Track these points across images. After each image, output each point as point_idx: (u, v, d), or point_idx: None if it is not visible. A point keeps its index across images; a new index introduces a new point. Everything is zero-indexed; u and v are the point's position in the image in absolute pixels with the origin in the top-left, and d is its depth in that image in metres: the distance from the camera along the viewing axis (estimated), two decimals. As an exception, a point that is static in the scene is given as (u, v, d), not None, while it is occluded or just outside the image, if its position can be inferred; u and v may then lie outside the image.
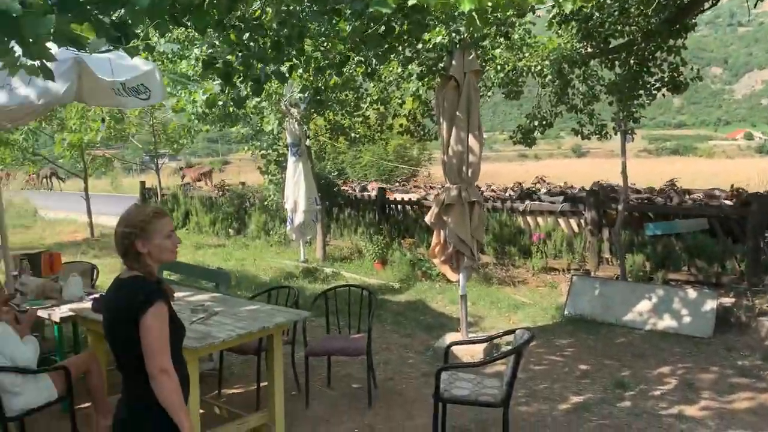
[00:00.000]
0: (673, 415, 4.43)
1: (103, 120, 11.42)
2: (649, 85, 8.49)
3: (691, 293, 6.59)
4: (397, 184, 19.26)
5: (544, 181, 14.26)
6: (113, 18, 3.30)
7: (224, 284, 5.49)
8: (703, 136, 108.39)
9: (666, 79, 8.44)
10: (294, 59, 4.91)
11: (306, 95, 8.09)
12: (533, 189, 11.80)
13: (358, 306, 5.40)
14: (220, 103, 6.92)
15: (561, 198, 9.99)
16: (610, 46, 8.15)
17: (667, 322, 6.44)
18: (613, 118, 8.70)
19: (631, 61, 8.29)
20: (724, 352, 5.76)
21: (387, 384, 5.14)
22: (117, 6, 3.01)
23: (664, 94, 8.74)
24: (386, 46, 4.70)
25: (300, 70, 6.53)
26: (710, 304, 6.35)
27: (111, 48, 3.30)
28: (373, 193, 12.33)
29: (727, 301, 6.77)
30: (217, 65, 4.42)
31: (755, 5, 7.81)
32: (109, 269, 9.30)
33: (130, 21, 3.08)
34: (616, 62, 8.42)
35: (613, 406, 4.59)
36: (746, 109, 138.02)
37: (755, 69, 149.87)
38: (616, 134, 8.76)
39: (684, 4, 7.67)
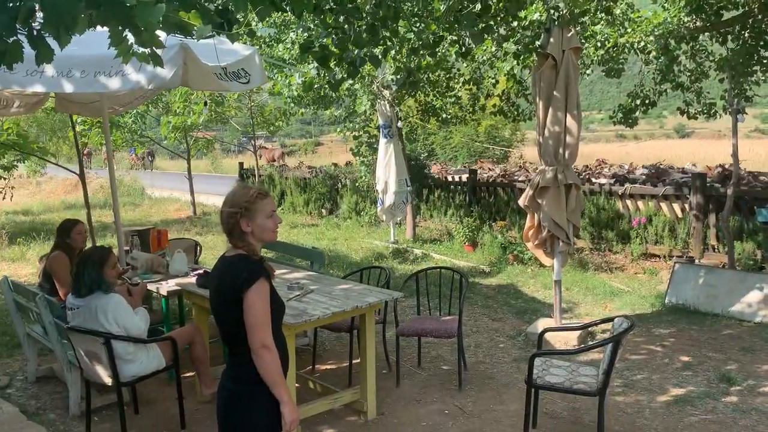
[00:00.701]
0: (785, 414, 4.16)
1: (205, 103, 11.95)
2: (766, 61, 7.87)
3: (809, 285, 6.11)
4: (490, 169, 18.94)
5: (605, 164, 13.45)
6: (217, 5, 3.44)
7: (318, 263, 5.63)
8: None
9: (786, 54, 7.80)
10: (388, 41, 4.92)
11: (399, 77, 8.09)
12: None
13: (448, 288, 5.40)
14: (316, 85, 7.04)
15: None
16: (723, 19, 7.60)
17: (780, 315, 6.01)
18: (723, 96, 8.15)
19: (746, 35, 7.70)
20: None
21: (477, 367, 5.12)
22: (221, -7, 3.12)
23: (784, 70, 8.09)
24: (482, 24, 4.60)
25: (393, 52, 6.54)
26: (831, 298, 5.87)
27: (215, 34, 3.44)
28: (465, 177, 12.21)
29: None
30: (314, 49, 4.50)
31: None
32: (211, 245, 9.80)
33: (233, 8, 3.19)
34: (729, 36, 7.85)
35: (717, 401, 4.35)
36: None
37: None
38: (726, 114, 8.20)
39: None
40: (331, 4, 4.40)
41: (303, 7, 3.83)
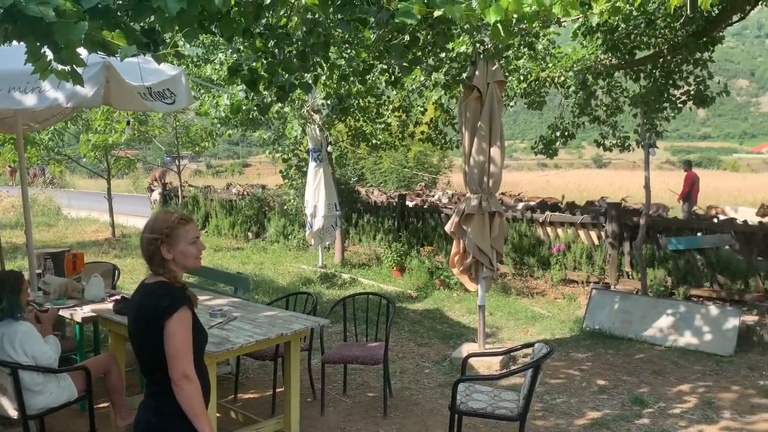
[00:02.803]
0: (692, 434, 4.37)
1: (128, 122, 11.57)
2: (674, 98, 8.42)
3: (713, 310, 6.50)
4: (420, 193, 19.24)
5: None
6: (143, 25, 3.36)
7: (243, 289, 5.52)
8: (727, 148, 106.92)
9: (692, 92, 8.38)
10: (319, 68, 4.94)
11: (329, 102, 8.13)
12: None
13: (375, 314, 5.41)
14: (245, 108, 6.97)
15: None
16: (636, 58, 8.09)
17: (687, 339, 6.35)
18: (636, 130, 8.64)
19: (657, 74, 8.23)
20: (746, 371, 5.66)
21: (403, 393, 5.13)
22: (147, 13, 3.06)
23: (690, 108, 8.67)
24: (411, 56, 4.71)
25: (323, 77, 6.57)
26: (732, 322, 6.26)
27: (140, 54, 3.36)
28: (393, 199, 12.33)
29: (750, 319, 6.67)
30: (242, 72, 4.46)
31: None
32: (130, 269, 9.43)
33: (159, 28, 3.13)
34: (641, 74, 8.36)
35: (631, 423, 4.54)
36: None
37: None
38: (638, 147, 8.69)
39: (712, 17, 7.59)
40: (261, 28, 4.40)
41: (232, 31, 3.80)
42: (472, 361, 5.53)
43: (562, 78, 8.67)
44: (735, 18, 7.75)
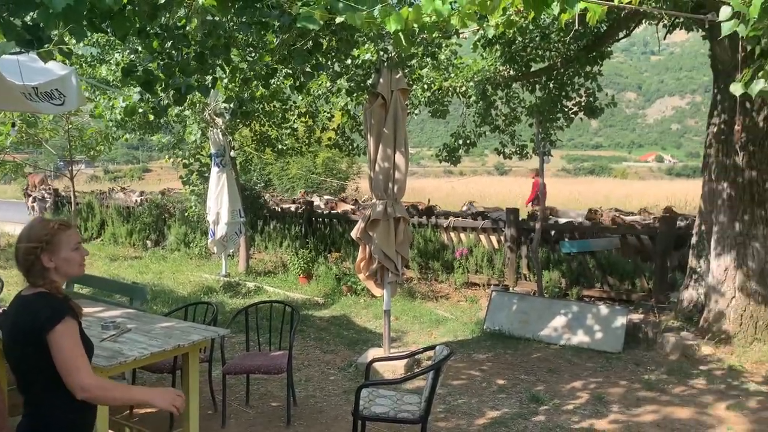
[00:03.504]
0: (584, 429, 4.60)
1: (13, 124, 10.80)
2: (567, 109, 8.89)
3: (603, 310, 6.89)
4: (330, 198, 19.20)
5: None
6: (25, 20, 3.15)
7: (139, 299, 5.28)
8: (617, 157, 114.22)
9: (583, 104, 8.87)
10: (219, 70, 4.83)
11: (231, 106, 7.96)
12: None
13: (280, 322, 5.33)
14: (140, 111, 6.69)
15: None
16: (532, 70, 8.48)
17: (580, 338, 6.69)
18: (532, 139, 9.05)
19: (551, 86, 8.66)
20: (633, 366, 6.04)
21: (308, 401, 5.08)
22: (29, 8, 2.88)
23: (581, 118, 9.17)
24: (314, 61, 4.70)
25: (225, 80, 6.43)
26: (620, 321, 6.66)
27: (22, 51, 3.15)
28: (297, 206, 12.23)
29: (636, 317, 7.11)
30: (137, 73, 4.29)
31: (665, 37, 8.34)
32: (16, 281, 8.78)
33: (42, 25, 2.95)
34: (537, 86, 8.77)
35: (528, 420, 4.72)
36: (657, 133, 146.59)
37: (666, 95, 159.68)
38: (535, 154, 9.10)
39: (601, 33, 8.09)
40: (158, 29, 4.24)
41: (126, 30, 3.64)
42: (378, 366, 5.57)
43: (464, 88, 8.95)
44: (621, 34, 8.29)
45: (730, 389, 5.37)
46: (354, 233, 5.95)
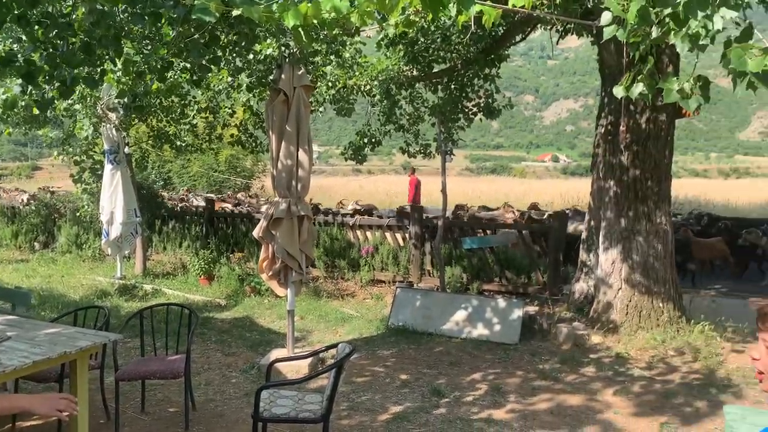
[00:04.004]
0: (482, 419, 4.74)
1: None
2: (467, 110, 9.15)
3: (501, 303, 7.14)
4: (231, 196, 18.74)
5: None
6: None
7: (23, 305, 4.93)
8: (517, 157, 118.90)
9: (482, 105, 9.16)
10: (109, 62, 4.58)
11: (124, 100, 7.59)
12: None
13: (178, 325, 5.14)
14: (22, 104, 6.25)
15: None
16: (434, 71, 8.66)
17: (480, 331, 6.91)
18: (435, 138, 9.24)
19: (452, 86, 8.88)
20: (529, 357, 6.30)
21: (207, 406, 4.93)
22: None
23: (481, 119, 9.47)
24: (211, 54, 4.55)
25: (119, 74, 6.12)
26: (517, 313, 6.93)
27: None
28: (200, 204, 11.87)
29: (532, 309, 7.43)
30: (17, 63, 3.99)
31: (557, 41, 8.75)
32: None
33: None
34: (439, 86, 8.97)
35: (429, 414, 4.81)
36: (554, 135, 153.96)
37: (561, 98, 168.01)
38: (438, 154, 9.30)
39: (498, 36, 8.38)
40: (40, 16, 3.97)
41: (2, 16, 3.38)
42: (281, 366, 5.49)
43: (368, 87, 9.00)
44: (518, 38, 8.63)
45: (617, 375, 5.72)
46: (256, 232, 5.83)
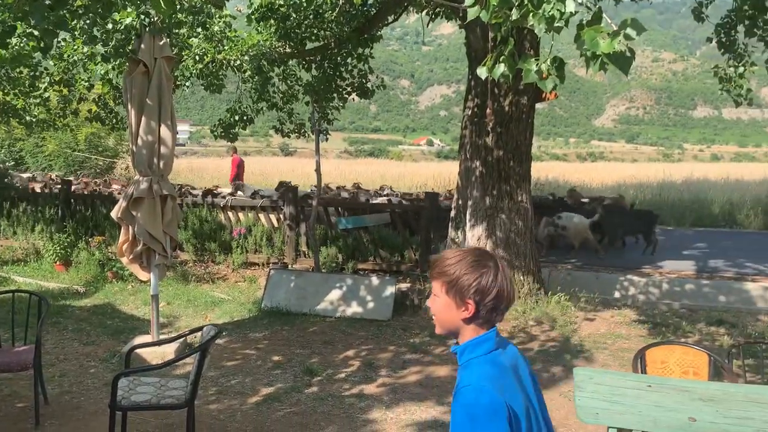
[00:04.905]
0: (354, 395, 4.79)
1: None
2: (341, 89, 9.12)
3: (375, 281, 7.24)
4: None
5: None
6: None
7: None
8: (394, 140, 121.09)
9: (356, 85, 9.17)
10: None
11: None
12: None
13: (26, 314, 4.72)
14: None
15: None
16: (307, 48, 8.53)
17: (354, 309, 6.97)
18: (309, 117, 9.14)
19: (326, 65, 8.81)
20: (401, 332, 6.44)
21: (62, 399, 4.59)
22: None
23: (354, 99, 9.48)
24: (53, 17, 4.16)
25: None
26: (390, 290, 7.06)
27: None
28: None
29: (404, 286, 7.61)
30: None
31: (428, 24, 8.93)
32: None
33: None
34: (313, 64, 8.86)
35: (301, 393, 4.78)
36: (428, 119, 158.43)
37: (435, 84, 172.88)
38: (312, 133, 9.20)
39: (371, 16, 8.40)
40: None
41: None
42: (144, 353, 5.21)
43: (239, 62, 8.68)
44: (390, 19, 8.70)
45: (481, 346, 5.99)
46: (114, 213, 5.46)
